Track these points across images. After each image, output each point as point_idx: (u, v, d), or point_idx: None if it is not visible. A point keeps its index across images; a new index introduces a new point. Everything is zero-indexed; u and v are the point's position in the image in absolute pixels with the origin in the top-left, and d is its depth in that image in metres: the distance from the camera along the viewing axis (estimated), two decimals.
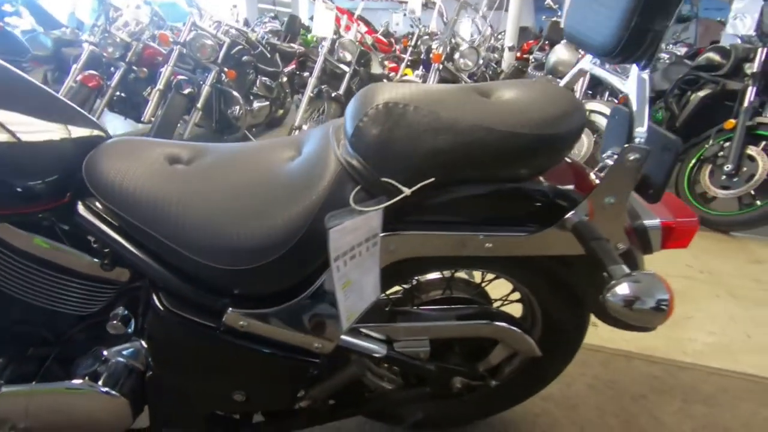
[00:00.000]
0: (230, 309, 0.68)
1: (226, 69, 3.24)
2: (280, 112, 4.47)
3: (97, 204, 0.67)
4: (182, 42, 3.01)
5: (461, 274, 0.99)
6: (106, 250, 0.69)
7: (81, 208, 0.68)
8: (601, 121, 2.57)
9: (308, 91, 3.14)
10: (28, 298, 0.72)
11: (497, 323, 0.85)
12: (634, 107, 0.64)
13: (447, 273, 0.94)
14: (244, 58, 3.44)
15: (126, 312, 0.75)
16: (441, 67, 2.81)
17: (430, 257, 0.73)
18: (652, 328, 0.74)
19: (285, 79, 4.27)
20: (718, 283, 1.93)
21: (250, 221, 0.65)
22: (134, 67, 3.46)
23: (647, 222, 0.77)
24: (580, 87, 2.65)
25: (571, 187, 0.72)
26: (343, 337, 0.77)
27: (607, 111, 2.55)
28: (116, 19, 3.46)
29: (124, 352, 0.76)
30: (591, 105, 2.63)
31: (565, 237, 0.70)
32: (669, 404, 1.27)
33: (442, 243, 0.70)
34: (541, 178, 0.73)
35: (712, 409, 1.25)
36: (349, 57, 3.21)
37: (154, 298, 0.69)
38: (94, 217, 0.68)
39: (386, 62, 4.43)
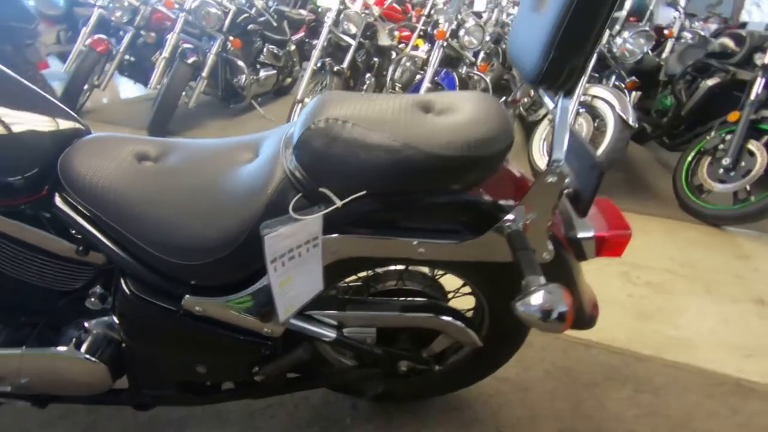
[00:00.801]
0: (187, 296, 0.77)
1: (231, 38, 3.24)
2: (288, 80, 4.46)
3: (70, 199, 0.75)
4: (187, 9, 3.01)
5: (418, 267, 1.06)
6: (80, 238, 0.78)
7: (58, 201, 0.76)
8: (603, 107, 2.54)
9: (311, 64, 3.14)
10: (17, 275, 0.82)
11: (441, 317, 0.92)
12: (556, 133, 0.68)
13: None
14: (250, 26, 3.42)
15: (103, 291, 0.85)
16: (445, 44, 2.77)
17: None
18: (558, 332, 0.81)
19: (293, 47, 4.23)
20: (698, 278, 1.96)
21: (201, 221, 0.72)
22: (142, 32, 3.48)
23: (581, 234, 0.82)
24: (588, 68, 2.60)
25: (510, 201, 0.77)
26: (294, 321, 0.86)
27: (611, 97, 2.52)
28: None
29: (103, 325, 0.87)
30: (594, 90, 2.58)
31: (496, 245, 0.76)
32: (618, 392, 1.35)
33: (379, 246, 0.76)
34: (481, 189, 0.78)
35: (658, 399, 1.33)
36: (354, 29, 3.17)
37: (122, 282, 0.78)
38: (70, 210, 0.76)
39: (396, 31, 4.34)
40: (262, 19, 3.53)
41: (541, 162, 2.69)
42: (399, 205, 0.75)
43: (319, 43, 3.15)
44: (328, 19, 3.13)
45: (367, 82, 3.63)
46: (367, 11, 3.37)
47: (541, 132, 2.78)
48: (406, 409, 1.23)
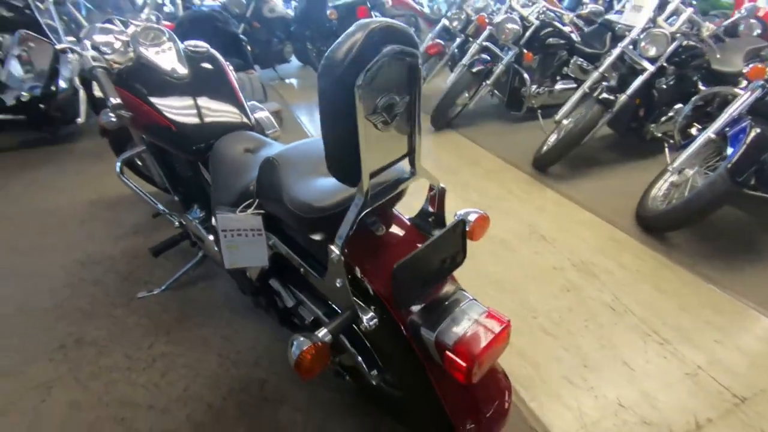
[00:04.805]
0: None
1: (525, 51, 3.38)
2: None
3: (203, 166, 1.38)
4: (494, 24, 3.36)
5: None
6: None
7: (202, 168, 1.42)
8: None
9: (585, 86, 2.90)
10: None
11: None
12: None
13: None
14: (550, 39, 3.41)
15: None
16: None
17: None
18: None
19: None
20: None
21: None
22: (470, 38, 4.12)
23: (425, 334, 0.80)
24: None
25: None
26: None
27: None
28: None
29: None
30: None
31: (335, 291, 0.88)
32: None
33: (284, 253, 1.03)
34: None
35: None
36: (653, 52, 2.66)
37: None
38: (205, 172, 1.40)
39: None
40: (568, 33, 3.44)
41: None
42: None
43: (604, 65, 2.86)
44: (627, 39, 2.76)
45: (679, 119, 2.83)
46: (693, 29, 2.70)
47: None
48: None
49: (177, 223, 1.77)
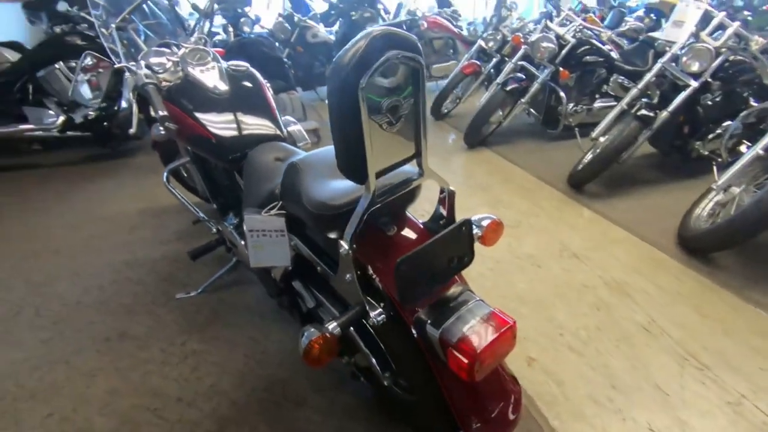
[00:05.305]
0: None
1: (561, 69, 3.36)
2: None
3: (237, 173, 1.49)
4: (528, 43, 3.38)
5: None
6: None
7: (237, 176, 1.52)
8: None
9: (623, 102, 2.84)
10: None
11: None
12: None
13: None
14: (588, 57, 3.38)
15: None
16: None
17: None
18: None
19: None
20: None
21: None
22: (506, 58, 4.15)
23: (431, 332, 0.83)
24: None
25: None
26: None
27: None
28: (506, 19, 4.18)
29: None
30: None
31: (346, 287, 0.92)
32: None
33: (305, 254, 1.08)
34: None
35: None
36: (696, 67, 2.57)
37: None
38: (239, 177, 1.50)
39: None
40: (605, 50, 3.39)
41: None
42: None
43: (643, 81, 2.79)
44: (668, 55, 2.69)
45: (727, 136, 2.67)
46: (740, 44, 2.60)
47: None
48: None
49: (214, 230, 1.89)
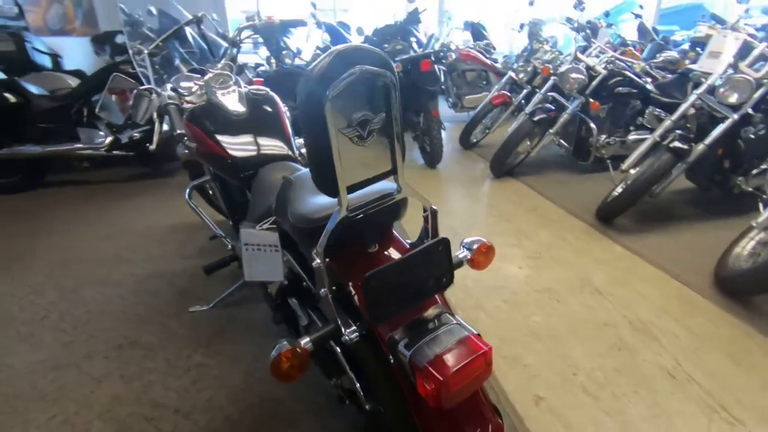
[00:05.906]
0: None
1: (591, 100, 3.29)
2: None
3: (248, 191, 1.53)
4: (557, 74, 3.35)
5: None
6: None
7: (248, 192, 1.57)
8: None
9: (656, 134, 2.72)
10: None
11: None
12: None
13: None
14: (620, 89, 3.29)
15: None
16: None
17: None
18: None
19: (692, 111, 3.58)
20: None
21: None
22: (536, 89, 4.12)
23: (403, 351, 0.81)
24: None
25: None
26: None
27: None
28: (538, 51, 4.18)
29: None
30: None
31: (324, 302, 0.91)
32: None
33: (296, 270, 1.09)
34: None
35: None
36: (735, 98, 2.44)
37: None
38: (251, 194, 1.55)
39: None
40: (640, 81, 3.29)
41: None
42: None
43: (677, 113, 2.68)
44: (703, 86, 2.57)
45: None
46: None
47: None
48: None
49: (229, 246, 1.95)
